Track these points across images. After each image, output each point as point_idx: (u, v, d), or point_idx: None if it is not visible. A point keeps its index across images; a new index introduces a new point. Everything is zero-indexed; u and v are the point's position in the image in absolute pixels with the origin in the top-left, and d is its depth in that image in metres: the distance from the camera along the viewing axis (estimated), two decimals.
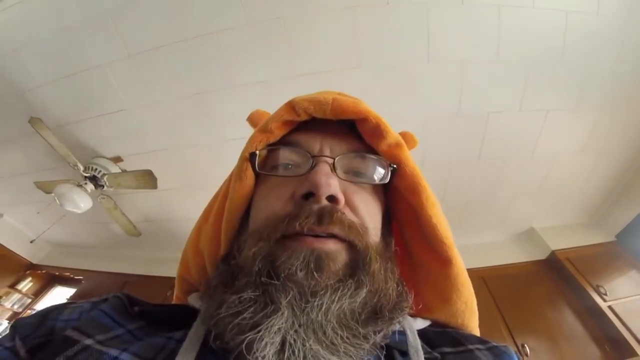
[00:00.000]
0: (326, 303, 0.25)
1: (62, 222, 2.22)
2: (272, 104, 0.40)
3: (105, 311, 0.31)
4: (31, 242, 2.13)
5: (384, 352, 0.28)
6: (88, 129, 1.61)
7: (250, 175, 0.34)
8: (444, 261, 0.34)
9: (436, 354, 0.30)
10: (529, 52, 1.26)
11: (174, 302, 0.45)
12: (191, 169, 1.75)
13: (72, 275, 2.62)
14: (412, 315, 0.34)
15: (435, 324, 0.37)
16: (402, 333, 0.31)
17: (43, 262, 2.75)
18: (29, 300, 2.59)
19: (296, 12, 1.17)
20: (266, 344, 0.23)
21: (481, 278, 1.83)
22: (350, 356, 0.24)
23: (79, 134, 1.64)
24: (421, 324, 0.35)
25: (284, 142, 0.35)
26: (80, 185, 1.65)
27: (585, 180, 1.77)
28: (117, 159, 1.74)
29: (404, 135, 0.39)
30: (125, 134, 1.62)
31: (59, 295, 2.74)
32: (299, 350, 0.23)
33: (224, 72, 1.33)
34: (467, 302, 0.36)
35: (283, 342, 0.23)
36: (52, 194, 1.64)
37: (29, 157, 1.85)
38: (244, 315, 0.24)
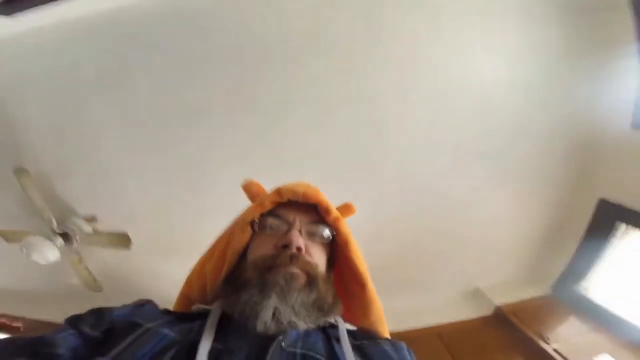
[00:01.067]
0: (296, 295, 0.48)
1: (10, 265, 2.12)
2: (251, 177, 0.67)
3: (152, 308, 0.50)
4: None
5: (326, 336, 0.49)
6: (68, 184, 1.69)
7: (249, 231, 0.58)
8: (361, 286, 0.59)
9: (358, 343, 0.50)
10: (458, 133, 1.59)
11: None
12: (166, 234, 1.84)
13: (8, 322, 2.37)
14: (346, 321, 0.55)
15: (360, 329, 0.58)
16: (336, 328, 0.51)
17: None
18: None
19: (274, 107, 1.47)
20: (265, 312, 0.45)
21: (437, 335, 1.95)
22: (305, 322, 0.47)
23: (57, 187, 1.70)
24: (350, 327, 0.56)
25: (272, 213, 0.59)
26: (49, 239, 1.65)
27: (518, 241, 2.07)
28: (91, 219, 1.79)
29: (346, 206, 0.66)
30: (105, 195, 1.73)
31: None
32: (281, 314, 0.45)
33: (209, 149, 1.56)
34: (378, 316, 0.61)
35: (274, 312, 0.45)
36: (17, 243, 1.62)
37: None
38: (254, 299, 0.47)
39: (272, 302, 0.46)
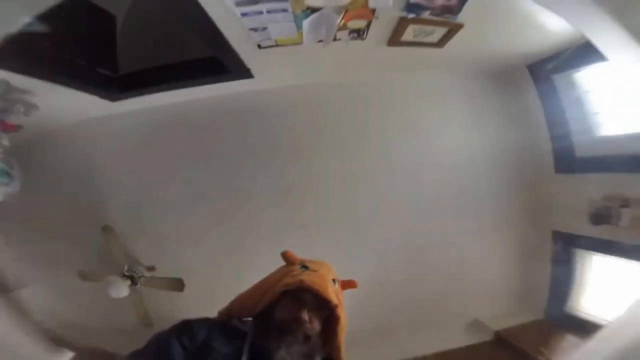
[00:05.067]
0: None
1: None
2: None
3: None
4: None
5: None
6: (138, 243, 2.14)
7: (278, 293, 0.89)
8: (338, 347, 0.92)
9: None
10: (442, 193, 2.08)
11: None
12: (212, 290, 2.12)
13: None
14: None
15: None
16: None
17: None
18: None
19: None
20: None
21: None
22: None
23: (129, 244, 2.13)
24: None
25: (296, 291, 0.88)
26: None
27: (506, 275, 2.41)
28: (151, 268, 2.21)
29: (349, 282, 1.00)
30: (166, 257, 2.17)
31: None
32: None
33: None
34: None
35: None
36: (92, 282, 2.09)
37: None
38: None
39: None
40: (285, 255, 1.01)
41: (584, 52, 1.31)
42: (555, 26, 1.41)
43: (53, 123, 1.78)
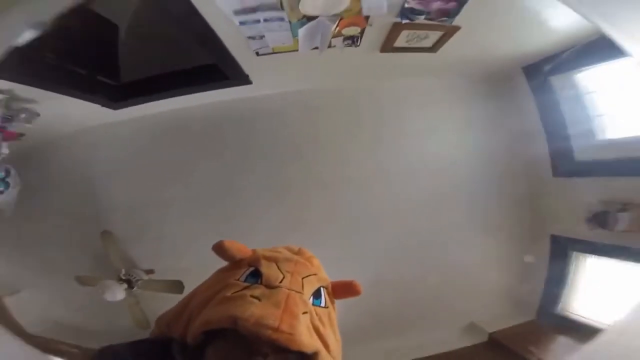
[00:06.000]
0: None
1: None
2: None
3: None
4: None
5: None
6: (137, 245, 2.13)
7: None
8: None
9: None
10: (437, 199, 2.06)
11: None
12: None
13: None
14: None
15: None
16: None
17: None
18: None
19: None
20: None
21: None
22: None
23: (127, 247, 2.13)
24: None
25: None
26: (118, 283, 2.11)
27: (501, 279, 2.36)
28: (149, 271, 2.21)
29: (348, 284, 0.66)
30: (165, 261, 2.15)
31: None
32: None
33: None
34: None
35: None
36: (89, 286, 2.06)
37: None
38: None
39: None
40: (220, 250, 0.61)
41: (585, 53, 1.34)
42: (554, 25, 1.41)
43: (54, 131, 1.82)
